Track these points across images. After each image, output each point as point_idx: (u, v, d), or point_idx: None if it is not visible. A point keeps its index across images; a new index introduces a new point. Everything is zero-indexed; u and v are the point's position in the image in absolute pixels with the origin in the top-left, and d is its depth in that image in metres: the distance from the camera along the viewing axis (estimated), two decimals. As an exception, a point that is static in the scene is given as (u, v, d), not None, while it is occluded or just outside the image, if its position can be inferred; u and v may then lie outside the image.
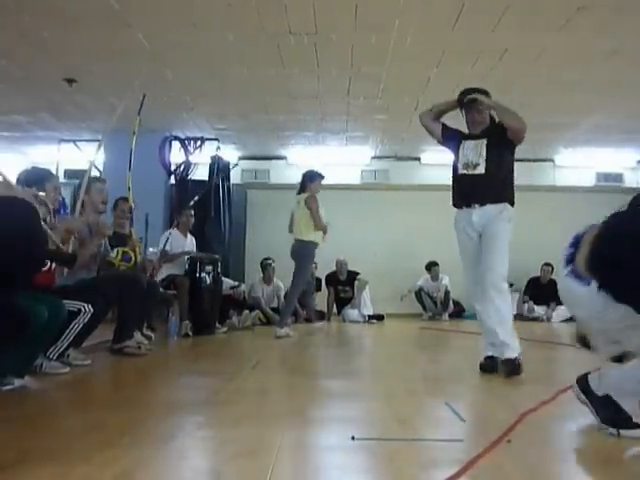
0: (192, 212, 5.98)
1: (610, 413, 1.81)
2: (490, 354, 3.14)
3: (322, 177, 5.49)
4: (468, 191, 3.19)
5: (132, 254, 3.95)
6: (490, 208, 3.11)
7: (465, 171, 3.19)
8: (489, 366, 3.10)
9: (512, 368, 2.95)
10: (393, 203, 8.87)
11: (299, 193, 5.49)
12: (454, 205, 3.28)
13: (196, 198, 6.27)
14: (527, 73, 5.39)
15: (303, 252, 5.39)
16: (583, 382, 1.92)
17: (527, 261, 8.54)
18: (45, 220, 2.73)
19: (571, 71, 5.31)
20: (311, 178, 5.46)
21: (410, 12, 4.24)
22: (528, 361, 4.16)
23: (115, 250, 3.93)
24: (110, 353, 3.75)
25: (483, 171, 3.13)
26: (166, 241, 5.46)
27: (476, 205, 3.13)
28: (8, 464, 1.48)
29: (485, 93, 3.26)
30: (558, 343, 5.44)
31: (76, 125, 7.22)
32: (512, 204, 3.17)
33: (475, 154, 3.17)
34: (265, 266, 7.38)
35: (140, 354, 3.77)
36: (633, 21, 4.30)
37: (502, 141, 3.14)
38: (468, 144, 3.23)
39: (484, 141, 3.18)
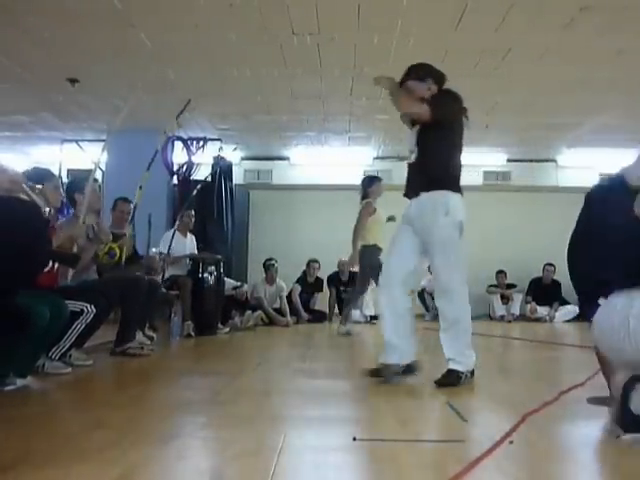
0: (192, 213, 5.97)
1: (627, 422, 1.74)
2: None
3: (379, 180, 5.64)
4: (407, 182, 2.94)
5: (118, 251, 3.93)
6: (424, 198, 2.81)
7: (408, 161, 2.94)
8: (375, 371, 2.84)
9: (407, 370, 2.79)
10: (395, 204, 8.84)
11: (362, 200, 5.67)
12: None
13: (193, 193, 6.28)
14: (530, 73, 5.38)
15: (362, 256, 5.56)
16: (625, 392, 1.75)
17: (529, 262, 8.54)
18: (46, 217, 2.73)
19: (574, 71, 5.30)
20: (369, 183, 5.63)
21: (413, 12, 4.23)
22: (531, 361, 4.17)
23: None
24: (112, 355, 3.75)
25: (413, 159, 2.87)
26: (171, 241, 5.46)
27: (413, 196, 2.87)
28: (9, 464, 1.48)
29: (415, 70, 2.92)
30: (561, 344, 5.43)
31: (79, 125, 7.23)
32: (456, 190, 2.81)
33: (411, 142, 2.91)
34: (268, 267, 7.38)
35: (143, 354, 3.77)
36: (637, 21, 4.29)
37: (434, 124, 2.78)
38: (411, 131, 2.95)
39: (418, 127, 2.88)
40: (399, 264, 2.88)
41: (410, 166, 2.92)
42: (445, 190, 2.80)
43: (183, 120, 4.69)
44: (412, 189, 2.88)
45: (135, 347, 3.77)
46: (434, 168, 2.83)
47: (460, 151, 2.93)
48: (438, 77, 2.94)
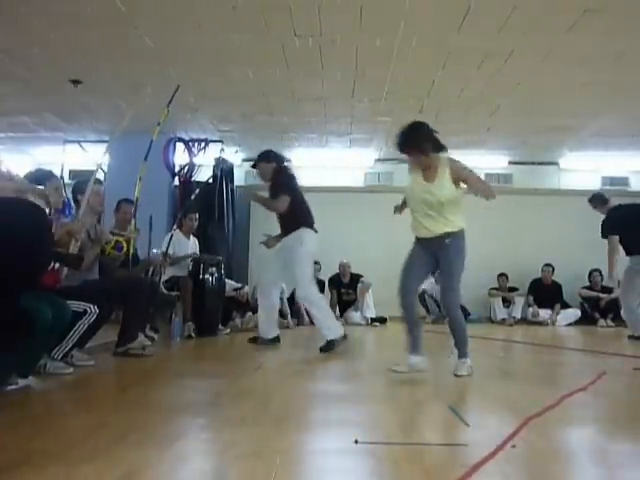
0: (196, 216, 5.98)
1: None
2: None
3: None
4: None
5: (125, 244, 3.93)
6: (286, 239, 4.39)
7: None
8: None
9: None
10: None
11: None
12: None
13: (193, 197, 6.29)
14: (533, 75, 5.37)
15: None
16: None
17: (531, 265, 8.54)
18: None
19: (577, 74, 5.29)
20: None
21: (415, 14, 4.23)
22: (533, 365, 4.16)
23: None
24: (114, 355, 3.75)
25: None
26: (169, 243, 5.47)
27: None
28: (12, 465, 1.48)
29: (262, 155, 4.50)
30: (563, 347, 5.42)
31: (81, 126, 7.24)
32: (305, 226, 4.33)
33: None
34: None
35: (145, 354, 3.77)
36: None
37: (272, 186, 4.42)
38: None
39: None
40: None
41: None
42: (298, 230, 4.32)
43: (146, 117, 4.67)
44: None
45: (136, 347, 3.77)
46: (287, 218, 4.37)
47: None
48: (277, 159, 4.47)
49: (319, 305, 4.29)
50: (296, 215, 4.31)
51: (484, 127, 7.07)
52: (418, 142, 3.27)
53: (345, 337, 4.29)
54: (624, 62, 4.98)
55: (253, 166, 4.59)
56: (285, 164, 4.51)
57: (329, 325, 4.18)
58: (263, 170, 4.45)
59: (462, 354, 3.23)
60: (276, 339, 4.64)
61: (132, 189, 4.62)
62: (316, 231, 4.43)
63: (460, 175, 3.23)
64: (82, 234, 3.41)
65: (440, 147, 3.26)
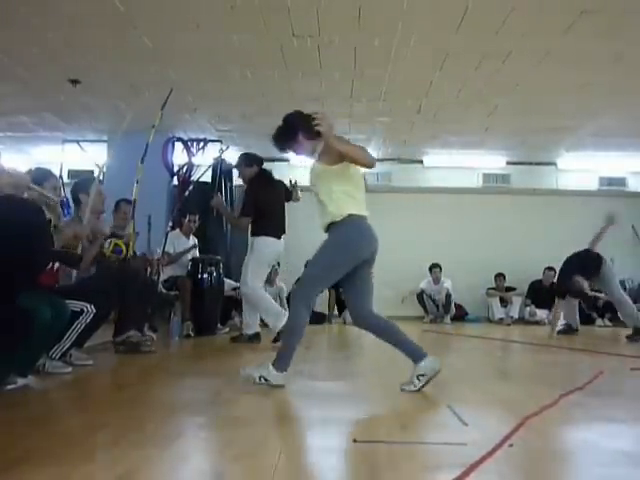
0: (196, 217, 5.99)
1: None
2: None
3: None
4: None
5: (124, 247, 3.94)
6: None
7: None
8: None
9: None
10: (395, 206, 8.86)
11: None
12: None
13: (186, 194, 6.30)
14: (531, 76, 5.39)
15: None
16: None
17: (528, 265, 8.55)
18: (54, 225, 2.75)
19: (574, 74, 5.31)
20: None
21: (413, 14, 4.24)
22: (531, 365, 4.18)
23: (108, 241, 3.94)
24: (114, 347, 3.74)
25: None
26: (165, 242, 5.48)
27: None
28: (11, 464, 1.49)
29: (244, 157, 4.82)
30: (561, 347, 5.43)
31: (80, 126, 7.24)
32: (262, 235, 4.62)
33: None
34: (269, 267, 7.37)
35: (145, 348, 3.76)
36: (636, 25, 4.31)
37: (245, 195, 4.75)
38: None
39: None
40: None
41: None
42: (255, 236, 4.71)
43: (146, 117, 4.71)
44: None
45: (136, 336, 3.75)
46: (254, 222, 4.72)
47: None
48: (257, 161, 4.73)
49: (252, 304, 4.68)
50: (259, 224, 4.63)
51: (482, 127, 7.08)
52: (293, 132, 3.06)
53: (257, 336, 4.75)
54: (622, 63, 4.99)
55: (236, 166, 4.89)
56: (265, 169, 4.75)
57: (249, 323, 4.75)
58: (244, 173, 4.78)
59: (274, 362, 2.69)
60: (255, 336, 4.75)
61: (131, 189, 4.62)
62: (279, 237, 4.69)
63: (334, 148, 2.77)
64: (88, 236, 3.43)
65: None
